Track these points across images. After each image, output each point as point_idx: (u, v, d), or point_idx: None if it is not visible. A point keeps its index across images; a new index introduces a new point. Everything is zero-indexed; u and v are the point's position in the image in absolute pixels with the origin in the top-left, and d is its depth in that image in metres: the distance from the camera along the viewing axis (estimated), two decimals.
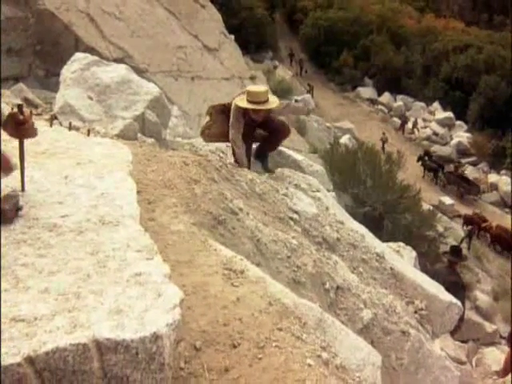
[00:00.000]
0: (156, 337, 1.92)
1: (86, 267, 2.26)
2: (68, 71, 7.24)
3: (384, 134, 36.87)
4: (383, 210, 13.73)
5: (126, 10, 18.68)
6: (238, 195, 4.60)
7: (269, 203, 4.92)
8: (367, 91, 46.58)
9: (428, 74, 48.26)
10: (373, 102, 45.33)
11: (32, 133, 2.84)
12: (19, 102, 6.77)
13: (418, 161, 33.02)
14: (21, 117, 2.73)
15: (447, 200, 28.12)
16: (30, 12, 16.05)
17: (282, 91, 29.89)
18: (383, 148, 33.71)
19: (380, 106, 44.79)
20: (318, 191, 5.73)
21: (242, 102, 6.07)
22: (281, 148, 7.20)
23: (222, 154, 7.14)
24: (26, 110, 2.80)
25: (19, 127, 2.73)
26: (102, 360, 1.85)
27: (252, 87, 6.42)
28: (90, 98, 6.95)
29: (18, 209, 2.66)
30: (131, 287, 2.15)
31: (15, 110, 2.78)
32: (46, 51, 16.13)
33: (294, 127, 23.60)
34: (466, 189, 32.06)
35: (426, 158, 33.89)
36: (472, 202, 31.68)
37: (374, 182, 14.40)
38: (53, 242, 2.44)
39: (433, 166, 33.33)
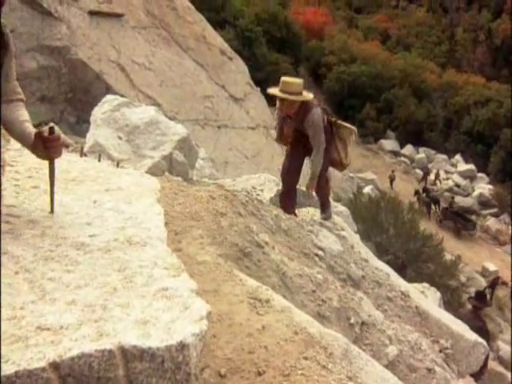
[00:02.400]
0: (182, 346, 1.89)
1: (113, 282, 2.25)
2: (99, 112, 7.40)
3: (393, 171, 38.28)
4: (406, 258, 13.69)
5: (155, 60, 19.13)
6: (263, 229, 4.60)
7: (294, 239, 4.91)
8: (390, 143, 46.88)
9: (450, 127, 48.64)
10: (395, 153, 45.57)
11: (60, 151, 2.86)
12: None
13: (414, 195, 33.73)
14: (49, 135, 2.76)
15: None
16: (63, 61, 16.51)
17: None
18: (391, 185, 35.25)
19: (402, 158, 45.01)
20: (342, 230, 5.71)
21: (273, 90, 5.97)
22: (304, 189, 7.20)
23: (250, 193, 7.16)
24: (56, 132, 2.84)
25: (48, 145, 2.75)
26: (128, 368, 1.82)
27: (286, 77, 6.14)
28: (120, 138, 7.08)
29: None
30: (158, 300, 2.13)
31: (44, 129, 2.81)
32: (77, 99, 16.51)
33: None
34: (462, 224, 32.16)
35: (424, 193, 34.54)
36: (468, 237, 31.62)
37: (397, 231, 14.42)
38: (80, 259, 2.45)
39: (426, 200, 33.88)
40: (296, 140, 6.13)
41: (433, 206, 33.99)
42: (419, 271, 13.47)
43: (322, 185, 6.19)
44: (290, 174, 6.30)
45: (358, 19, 73.65)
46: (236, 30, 40.31)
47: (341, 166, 6.39)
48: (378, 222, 14.72)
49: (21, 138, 2.85)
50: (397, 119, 49.26)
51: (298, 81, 6.02)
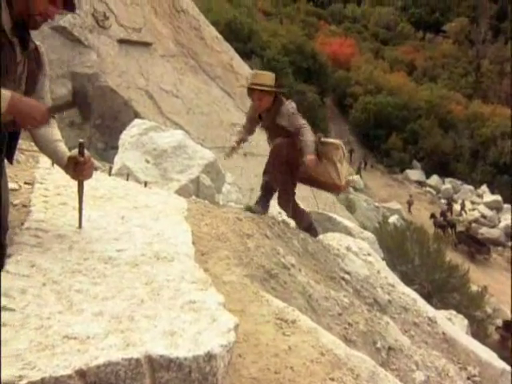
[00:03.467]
0: (210, 356, 1.86)
1: (140, 294, 2.24)
2: (127, 136, 7.48)
3: (411, 196, 38.60)
4: (431, 288, 13.51)
5: (183, 88, 19.33)
6: (290, 252, 4.57)
7: (320, 262, 4.87)
8: (415, 173, 46.67)
9: (476, 158, 48.32)
10: (421, 184, 45.34)
11: (90, 174, 2.89)
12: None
13: (430, 218, 33.69)
14: (81, 159, 2.79)
15: None
16: (92, 88, 16.75)
17: None
18: (409, 210, 35.36)
19: (428, 189, 44.74)
20: (369, 255, 5.65)
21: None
22: (331, 214, 7.17)
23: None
24: (86, 153, 2.87)
25: (79, 168, 2.79)
26: (154, 377, 1.80)
27: (257, 70, 5.95)
28: (147, 162, 7.12)
29: None
30: (185, 313, 2.12)
31: (75, 152, 2.84)
32: (105, 125, 16.70)
33: (343, 205, 23.58)
34: (476, 249, 31.83)
35: (441, 217, 34.57)
36: (482, 261, 31.32)
37: (423, 261, 14.29)
38: (108, 272, 2.45)
39: (443, 223, 33.75)
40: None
41: (449, 230, 33.92)
42: (445, 301, 13.28)
43: (286, 199, 5.61)
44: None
45: (385, 50, 74.02)
46: (263, 60, 40.66)
47: (336, 189, 5.81)
48: (404, 251, 14.60)
49: (53, 156, 2.90)
50: (423, 150, 49.06)
51: (271, 73, 5.67)
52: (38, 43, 2.86)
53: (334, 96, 54.64)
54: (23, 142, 6.77)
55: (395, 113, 50.59)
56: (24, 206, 4.20)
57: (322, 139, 5.59)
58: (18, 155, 5.16)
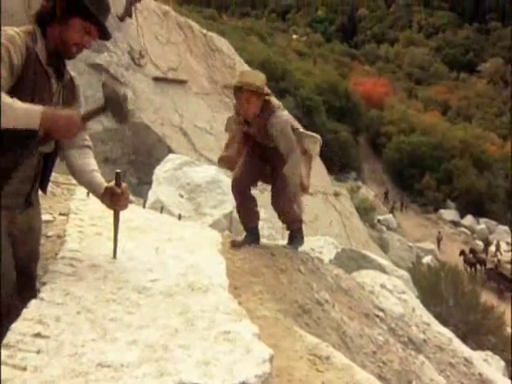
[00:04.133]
0: None
1: (174, 324, 2.22)
2: (161, 170, 7.55)
3: (439, 232, 38.16)
4: (466, 330, 13.22)
5: (216, 125, 19.51)
6: (323, 287, 4.51)
7: (354, 299, 4.79)
8: (450, 213, 46.13)
9: (511, 199, 47.50)
10: (455, 224, 44.76)
11: (126, 204, 2.90)
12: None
13: (460, 255, 33.25)
14: (118, 189, 2.80)
15: None
16: (127, 125, 17.00)
17: (364, 210, 29.92)
18: (438, 246, 35.21)
19: (462, 229, 44.11)
20: (403, 293, 5.56)
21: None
22: (365, 252, 7.10)
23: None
24: (123, 184, 2.88)
25: (115, 198, 2.80)
26: None
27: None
28: (181, 196, 7.16)
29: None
30: (219, 343, 2.09)
31: (112, 182, 2.86)
32: (139, 161, 16.87)
33: (376, 244, 23.36)
34: (505, 286, 31.18)
35: (470, 254, 34.02)
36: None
37: (457, 302, 14.04)
38: (142, 302, 2.43)
39: (472, 260, 33.26)
40: (253, 151, 4.93)
41: (478, 267, 33.43)
42: (480, 343, 12.98)
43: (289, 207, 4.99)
44: (242, 182, 4.92)
45: (418, 90, 74.14)
46: (296, 99, 40.96)
47: (302, 189, 5.03)
48: (438, 291, 14.38)
49: (89, 186, 2.91)
50: (457, 189, 48.59)
51: (261, 73, 4.83)
52: (73, 74, 2.90)
53: (368, 135, 54.67)
54: (59, 176, 6.88)
55: (429, 152, 50.33)
56: (59, 236, 4.24)
57: (301, 130, 5.02)
58: (53, 188, 5.23)
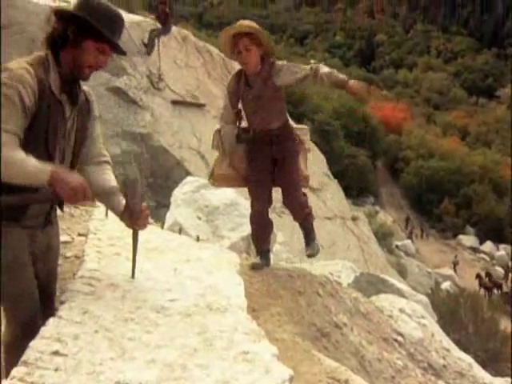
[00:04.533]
0: None
1: (193, 344, 2.21)
2: (179, 192, 7.58)
3: (456, 256, 37.94)
4: (486, 357, 13.01)
5: None
6: (342, 311, 4.47)
7: (373, 323, 4.74)
8: (469, 239, 45.65)
9: None
10: (474, 250, 44.27)
11: (145, 223, 2.90)
12: None
13: (476, 278, 32.94)
14: None
15: None
16: (145, 148, 17.10)
17: (383, 235, 29.77)
18: (455, 270, 35.17)
19: (482, 255, 43.60)
20: (422, 317, 5.49)
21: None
22: (383, 276, 7.04)
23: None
24: (143, 204, 2.88)
25: (134, 217, 2.80)
26: None
27: None
28: (199, 218, 7.17)
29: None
30: (238, 363, 2.07)
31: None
32: (157, 184, 16.94)
33: (395, 269, 23.17)
34: None
35: (486, 278, 33.52)
36: None
37: (476, 329, 13.83)
38: (160, 321, 2.42)
39: (488, 284, 32.82)
40: (259, 160, 4.53)
41: (495, 291, 32.98)
42: (499, 371, 12.75)
43: (301, 201, 4.69)
44: (262, 213, 4.70)
45: (437, 115, 74.02)
46: (314, 124, 40.98)
47: (305, 182, 4.83)
48: (457, 318, 14.19)
49: (108, 204, 2.92)
50: (476, 215, 48.17)
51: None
52: (85, 89, 2.87)
53: (386, 160, 54.55)
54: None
55: (448, 177, 50.07)
56: (77, 257, 4.25)
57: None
58: (72, 209, 5.25)
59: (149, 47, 17.34)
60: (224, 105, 4.73)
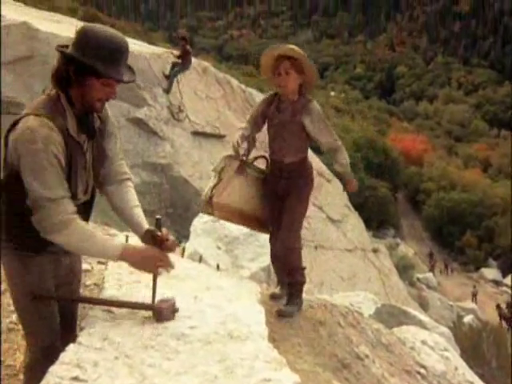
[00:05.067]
0: None
1: (214, 371, 2.18)
2: (199, 222, 7.58)
3: (475, 287, 37.81)
4: None
5: None
6: (363, 342, 4.40)
7: (395, 355, 4.66)
8: (491, 272, 45.08)
9: None
10: (497, 283, 43.68)
11: (173, 248, 2.89)
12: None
13: (496, 308, 32.59)
14: (159, 233, 2.80)
15: None
16: (165, 178, 17.20)
17: (404, 268, 29.51)
18: (474, 300, 35.29)
19: (504, 288, 42.92)
20: (445, 350, 5.38)
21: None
22: (405, 308, 6.95)
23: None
24: (164, 229, 2.88)
25: (157, 243, 2.79)
26: None
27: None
28: (219, 248, 7.17)
29: (175, 311, 2.76)
30: None
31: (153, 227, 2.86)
32: (177, 214, 16.99)
33: (416, 302, 22.90)
34: None
35: (507, 308, 32.94)
36: None
37: (500, 364, 13.55)
38: (180, 348, 2.40)
39: (507, 315, 32.18)
40: (272, 199, 4.32)
41: None
42: None
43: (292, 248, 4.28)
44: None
45: (458, 147, 73.70)
46: None
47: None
48: (480, 352, 13.92)
49: (129, 224, 2.90)
50: (498, 248, 47.62)
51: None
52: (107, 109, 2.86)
53: (407, 192, 54.33)
54: (97, 226, 6.95)
55: (470, 209, 49.68)
56: (96, 285, 4.25)
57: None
58: None
59: (168, 84, 17.55)
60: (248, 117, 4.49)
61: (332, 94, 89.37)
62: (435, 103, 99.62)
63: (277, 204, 4.29)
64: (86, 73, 2.51)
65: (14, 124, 2.49)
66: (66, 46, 2.58)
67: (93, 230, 2.57)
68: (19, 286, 2.71)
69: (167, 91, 17.51)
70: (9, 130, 2.51)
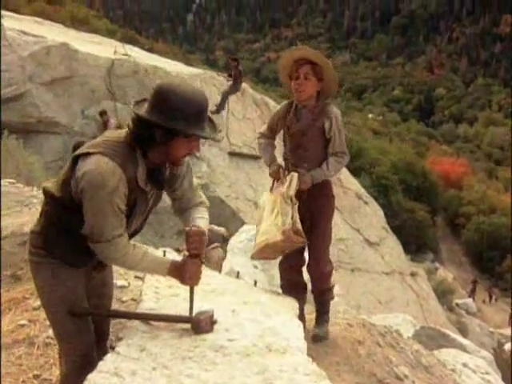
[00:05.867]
0: None
1: (253, 383, 2.15)
2: (236, 241, 7.59)
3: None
4: None
5: None
6: (403, 362, 4.32)
7: (435, 376, 4.56)
8: None
9: None
10: None
11: (201, 247, 2.85)
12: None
13: (510, 318, 32.38)
14: (193, 228, 2.77)
15: None
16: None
17: (442, 292, 29.02)
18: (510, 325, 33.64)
19: None
20: (487, 373, 5.25)
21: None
22: (445, 331, 6.80)
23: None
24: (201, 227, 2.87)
25: (190, 241, 2.77)
26: None
27: None
28: (255, 267, 7.14)
29: (213, 323, 2.76)
30: None
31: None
32: None
33: (455, 327, 22.44)
34: None
35: None
36: None
37: None
38: (218, 360, 2.39)
39: None
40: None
41: None
42: None
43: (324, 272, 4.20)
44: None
45: (498, 170, 72.50)
46: (372, 178, 40.70)
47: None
48: None
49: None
50: None
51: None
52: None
53: (445, 215, 53.48)
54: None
55: (510, 234, 48.64)
56: (133, 300, 4.25)
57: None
58: None
59: (220, 106, 17.71)
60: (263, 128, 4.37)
61: (370, 116, 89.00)
62: (475, 126, 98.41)
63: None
64: (172, 135, 2.53)
65: (87, 154, 2.51)
66: (142, 101, 2.62)
67: (144, 249, 2.69)
68: (52, 297, 2.73)
69: (217, 111, 17.64)
70: (78, 156, 2.54)
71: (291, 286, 4.30)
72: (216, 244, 9.93)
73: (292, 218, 3.86)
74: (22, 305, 4.46)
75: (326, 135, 4.00)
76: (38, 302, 4.45)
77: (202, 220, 2.86)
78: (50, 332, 3.86)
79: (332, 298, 4.34)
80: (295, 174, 3.97)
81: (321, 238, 4.10)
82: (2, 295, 4.64)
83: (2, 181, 7.76)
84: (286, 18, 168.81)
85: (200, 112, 2.54)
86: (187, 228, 2.74)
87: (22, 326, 4.14)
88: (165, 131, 2.51)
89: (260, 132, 4.38)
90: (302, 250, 4.20)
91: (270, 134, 4.29)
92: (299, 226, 3.86)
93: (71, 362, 2.75)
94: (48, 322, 4.00)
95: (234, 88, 17.88)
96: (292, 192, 3.90)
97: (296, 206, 3.89)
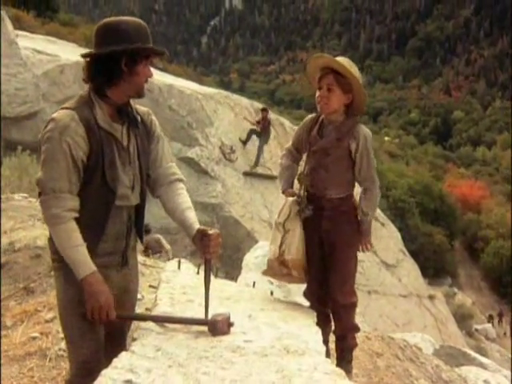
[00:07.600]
0: None
1: (271, 380, 2.10)
2: (251, 257, 7.58)
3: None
4: None
5: None
6: (423, 376, 4.22)
7: None
8: None
9: None
10: None
11: (217, 250, 2.79)
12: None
13: None
14: (210, 231, 2.72)
15: None
16: (216, 218, 17.22)
17: (461, 317, 28.65)
18: None
19: None
20: None
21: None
22: (465, 349, 6.67)
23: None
24: (215, 230, 2.83)
25: (206, 242, 2.72)
26: None
27: None
28: (271, 283, 7.06)
29: (230, 325, 2.68)
30: None
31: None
32: (227, 255, 16.89)
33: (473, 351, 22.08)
34: None
35: None
36: None
37: None
38: (235, 360, 2.34)
39: None
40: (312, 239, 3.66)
41: None
42: None
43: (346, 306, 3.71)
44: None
45: None
46: (388, 201, 40.50)
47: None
48: None
49: (182, 226, 2.84)
50: None
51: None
52: (143, 109, 2.87)
53: (464, 239, 52.93)
54: (147, 259, 6.97)
55: None
56: (147, 309, 4.22)
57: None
58: (142, 268, 5.27)
59: (256, 158, 18.57)
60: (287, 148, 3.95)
61: (386, 139, 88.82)
62: (493, 149, 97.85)
63: (318, 247, 3.68)
64: (135, 61, 2.57)
65: None
66: (88, 56, 2.62)
67: (80, 240, 2.50)
68: (63, 299, 2.69)
69: (255, 164, 18.36)
70: None
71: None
72: None
73: (280, 247, 3.63)
74: (34, 317, 4.46)
75: (352, 157, 3.57)
76: (50, 315, 4.46)
77: (192, 212, 2.83)
78: (63, 344, 3.85)
79: (356, 345, 3.79)
80: (289, 199, 3.75)
81: (341, 274, 3.67)
82: (15, 308, 4.66)
83: (15, 195, 7.87)
84: (301, 41, 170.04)
85: (147, 30, 2.63)
86: (210, 231, 2.70)
87: (34, 338, 4.14)
88: (129, 57, 2.55)
89: (286, 148, 3.98)
90: (323, 278, 3.74)
91: (295, 151, 3.91)
92: (289, 256, 3.60)
93: (73, 368, 2.71)
94: (60, 335, 3.99)
95: (266, 138, 18.35)
96: (281, 219, 3.67)
97: (290, 234, 3.61)
